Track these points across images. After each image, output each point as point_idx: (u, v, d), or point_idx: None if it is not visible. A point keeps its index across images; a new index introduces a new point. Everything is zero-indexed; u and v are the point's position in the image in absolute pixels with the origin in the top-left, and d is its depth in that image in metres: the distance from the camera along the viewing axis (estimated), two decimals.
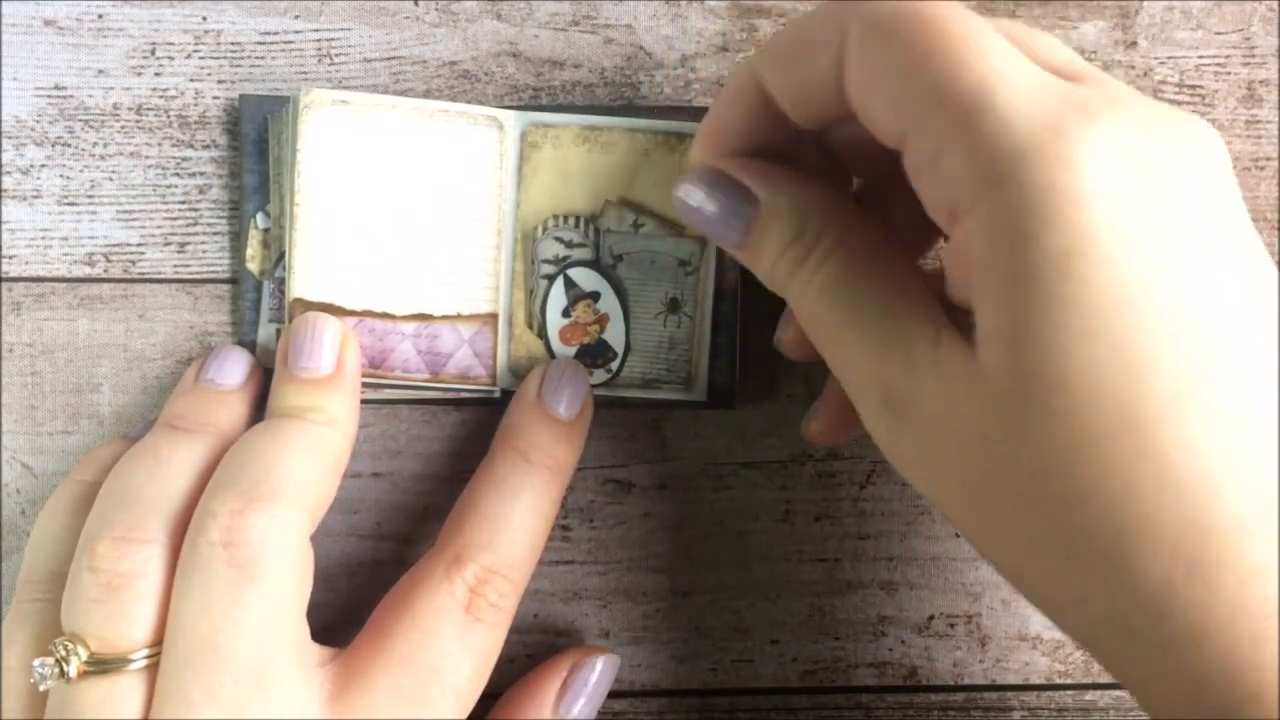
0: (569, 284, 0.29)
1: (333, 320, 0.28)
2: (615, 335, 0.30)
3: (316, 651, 0.25)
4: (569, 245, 0.29)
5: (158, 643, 0.24)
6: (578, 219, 0.29)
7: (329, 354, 0.27)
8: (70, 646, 0.23)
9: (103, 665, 0.23)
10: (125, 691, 0.24)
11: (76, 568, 0.24)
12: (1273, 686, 0.18)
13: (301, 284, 0.28)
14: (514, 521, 0.27)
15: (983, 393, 0.20)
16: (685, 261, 0.29)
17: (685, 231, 0.29)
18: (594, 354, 0.30)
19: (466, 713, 0.26)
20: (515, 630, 0.31)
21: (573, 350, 0.30)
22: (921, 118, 0.21)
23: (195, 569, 0.24)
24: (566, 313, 0.29)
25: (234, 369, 0.28)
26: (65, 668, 0.23)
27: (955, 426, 0.21)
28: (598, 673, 0.29)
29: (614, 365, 0.30)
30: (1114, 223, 0.19)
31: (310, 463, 0.26)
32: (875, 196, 0.27)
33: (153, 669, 0.24)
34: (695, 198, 0.25)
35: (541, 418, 0.28)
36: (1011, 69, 0.20)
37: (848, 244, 0.23)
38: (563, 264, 0.29)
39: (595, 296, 0.29)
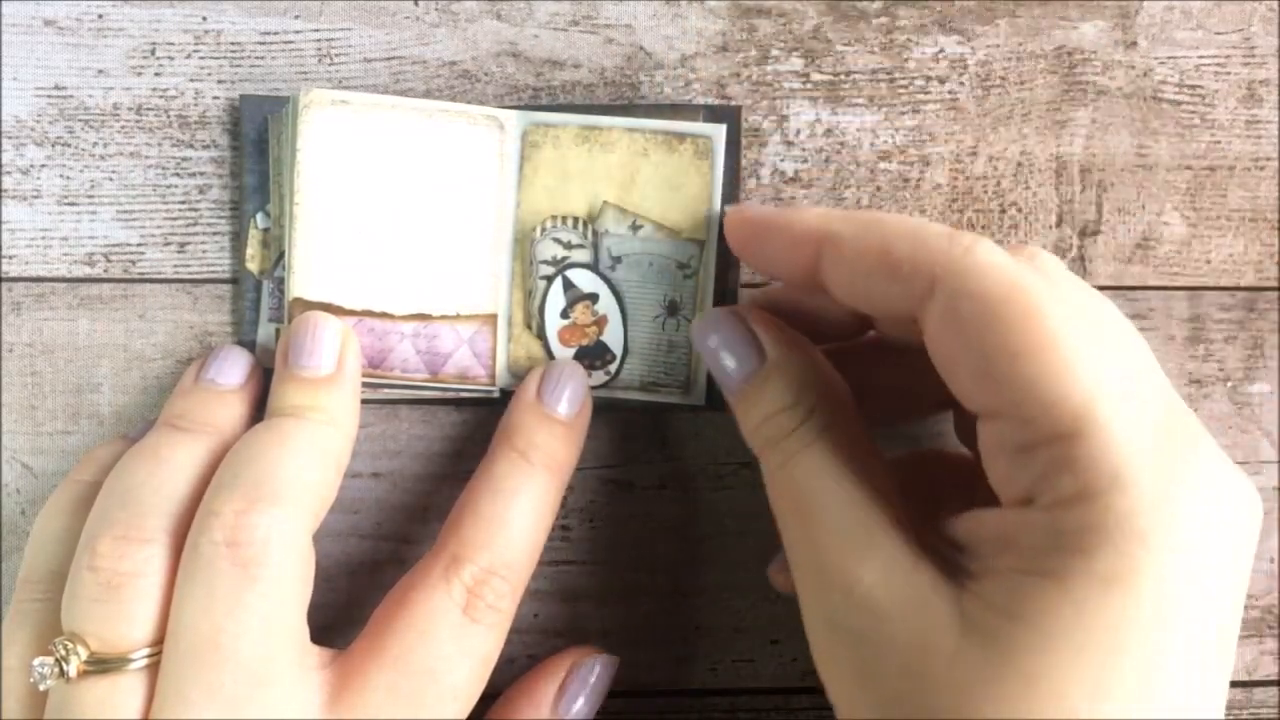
0: (567, 285, 0.29)
1: (333, 320, 0.28)
2: (614, 337, 0.29)
3: (316, 653, 0.25)
4: (567, 246, 0.29)
5: (158, 642, 0.24)
6: (576, 220, 0.29)
7: (329, 353, 0.27)
8: (70, 646, 0.23)
9: (102, 665, 0.23)
10: (125, 691, 0.23)
11: (77, 567, 0.24)
12: None
13: (301, 283, 0.28)
14: (512, 521, 0.27)
15: (950, 642, 0.21)
16: (684, 264, 0.29)
17: (684, 234, 0.29)
18: (593, 356, 0.30)
19: (465, 715, 0.26)
20: (515, 630, 0.31)
21: (571, 351, 0.30)
22: (1012, 411, 0.21)
23: (198, 568, 0.24)
24: (565, 314, 0.29)
25: (234, 369, 0.28)
26: (65, 667, 0.23)
27: (901, 655, 0.22)
28: (596, 673, 0.29)
29: (612, 367, 0.30)
30: (1185, 596, 0.20)
31: (312, 463, 0.26)
32: (891, 355, 0.27)
33: (153, 668, 0.24)
34: (710, 339, 0.26)
35: (540, 417, 0.28)
36: (1109, 386, 0.21)
37: (837, 430, 0.24)
38: (561, 265, 0.29)
39: (594, 298, 0.29)
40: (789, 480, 0.24)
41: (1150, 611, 0.20)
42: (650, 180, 0.29)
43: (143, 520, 0.25)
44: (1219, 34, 0.31)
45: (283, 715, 0.24)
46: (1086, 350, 0.21)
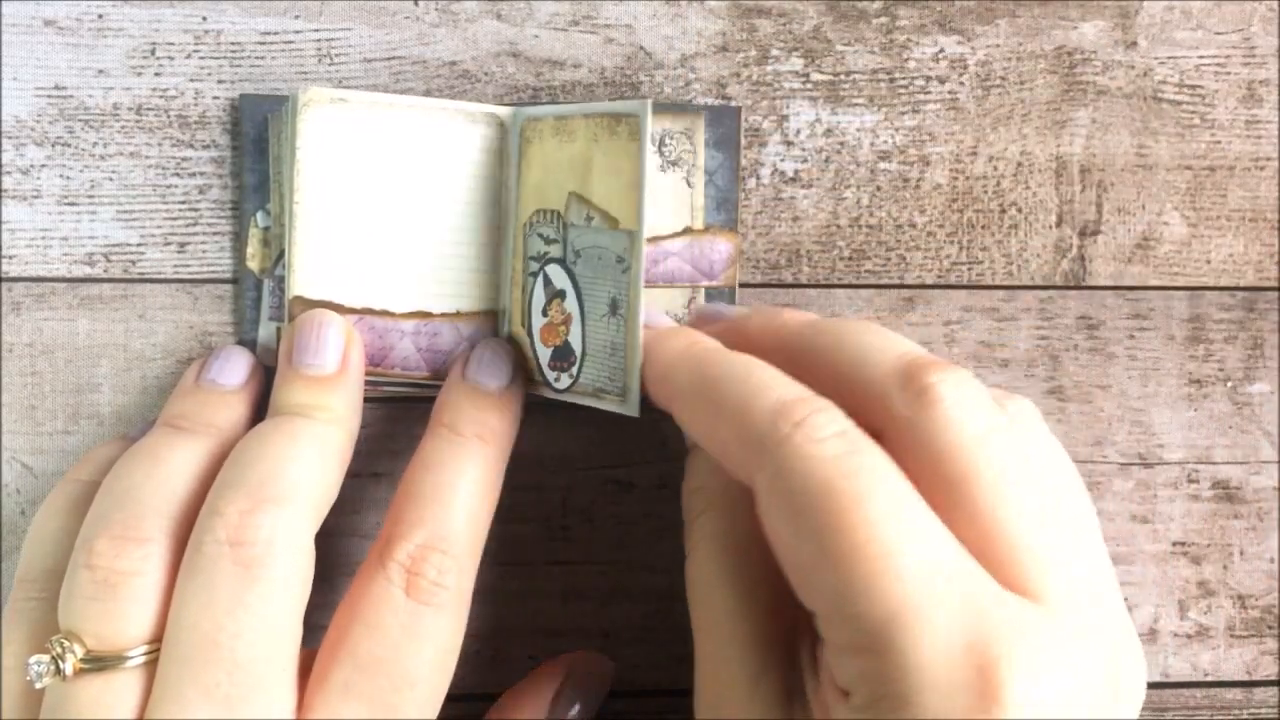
0: (546, 281, 0.29)
1: (337, 317, 0.28)
2: (575, 337, 0.28)
3: (304, 655, 0.25)
4: (547, 241, 0.28)
5: (155, 640, 0.24)
6: (553, 214, 0.28)
7: (334, 351, 0.27)
8: (66, 644, 0.23)
9: (99, 663, 0.23)
10: (121, 689, 0.23)
11: (74, 565, 0.24)
12: None
13: (301, 282, 0.28)
14: (444, 494, 0.26)
15: None
16: (621, 257, 0.27)
17: (620, 224, 0.27)
18: (561, 357, 0.28)
19: (431, 701, 0.25)
20: (516, 630, 0.31)
21: (549, 352, 0.29)
22: (822, 613, 0.21)
23: (200, 567, 0.24)
24: (544, 312, 0.29)
25: (235, 369, 0.28)
26: (61, 665, 0.23)
27: None
28: (594, 677, 0.29)
29: (574, 370, 0.28)
30: None
31: (316, 462, 0.26)
32: None
33: (149, 666, 0.24)
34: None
35: (466, 391, 0.28)
36: (925, 599, 0.20)
37: (723, 536, 0.25)
38: (543, 261, 0.29)
39: (562, 295, 0.28)
40: (690, 566, 0.26)
41: None
42: (600, 168, 0.27)
43: (140, 520, 0.25)
44: (1219, 34, 0.31)
45: (273, 716, 0.23)
46: (899, 559, 0.20)
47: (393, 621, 0.24)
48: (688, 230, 0.29)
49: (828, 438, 0.21)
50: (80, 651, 0.23)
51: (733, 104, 0.30)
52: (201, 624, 0.23)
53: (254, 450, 0.25)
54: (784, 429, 0.21)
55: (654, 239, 0.29)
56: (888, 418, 0.22)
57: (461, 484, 0.26)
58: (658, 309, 0.29)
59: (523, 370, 0.29)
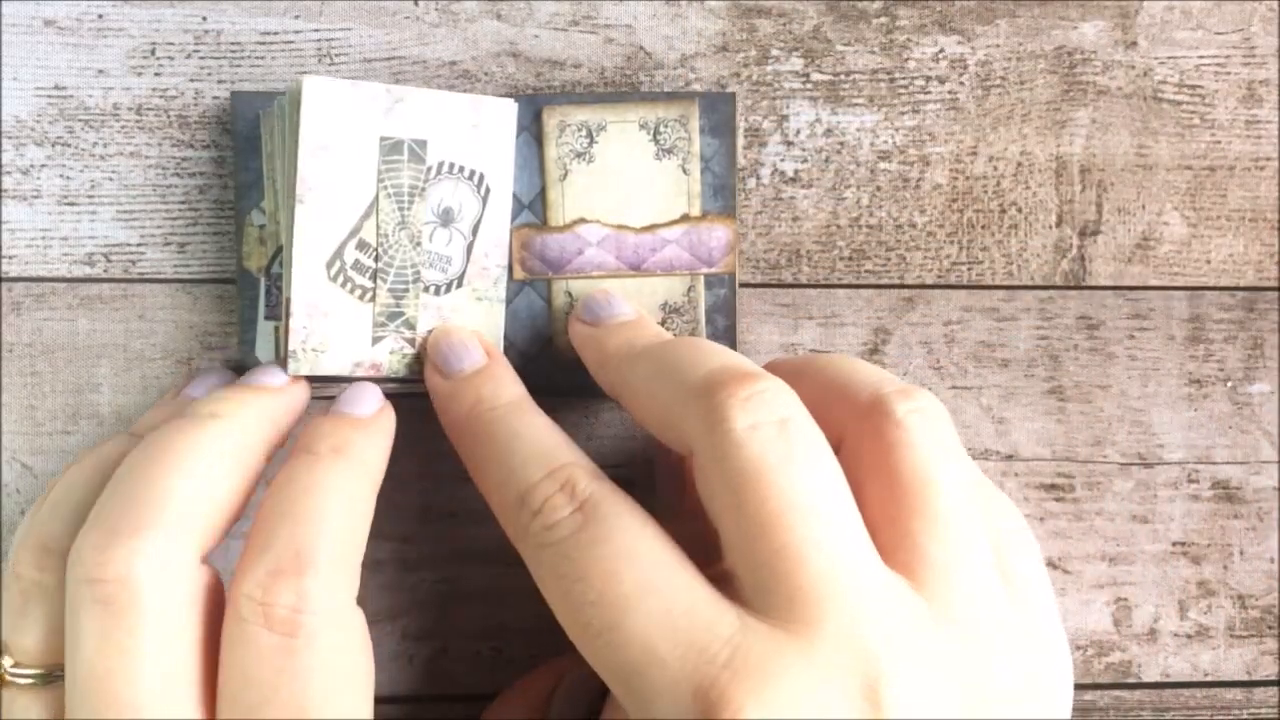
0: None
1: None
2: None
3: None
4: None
5: (55, 663, 0.24)
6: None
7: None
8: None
9: (19, 675, 0.24)
10: (23, 708, 0.24)
11: (7, 574, 0.24)
12: None
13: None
14: (292, 510, 0.23)
15: None
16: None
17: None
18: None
19: None
20: (516, 630, 0.31)
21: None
22: (742, 577, 0.22)
23: (70, 606, 0.22)
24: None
25: (208, 385, 0.28)
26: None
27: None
28: (590, 679, 0.29)
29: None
30: None
31: (201, 470, 0.23)
32: None
33: (59, 688, 0.23)
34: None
35: (329, 417, 0.26)
36: (840, 578, 0.21)
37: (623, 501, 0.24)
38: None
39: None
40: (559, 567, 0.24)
41: None
42: None
43: (64, 529, 0.24)
44: (1219, 34, 0.31)
45: None
46: (815, 549, 0.21)
47: (260, 664, 0.21)
48: (685, 218, 0.29)
49: (751, 435, 0.22)
50: (9, 662, 0.24)
51: (727, 90, 0.30)
52: (78, 663, 0.22)
53: (127, 466, 0.23)
54: (713, 417, 0.22)
55: (651, 227, 0.29)
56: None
57: (310, 496, 0.23)
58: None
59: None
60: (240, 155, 0.29)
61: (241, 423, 0.25)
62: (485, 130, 0.29)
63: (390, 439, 0.26)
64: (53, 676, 0.23)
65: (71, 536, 0.23)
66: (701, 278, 0.29)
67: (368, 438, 0.25)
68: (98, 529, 0.22)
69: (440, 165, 0.28)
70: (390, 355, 0.29)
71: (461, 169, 0.29)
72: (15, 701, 0.24)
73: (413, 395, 0.30)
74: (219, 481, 0.23)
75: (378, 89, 0.28)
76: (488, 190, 0.29)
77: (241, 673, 0.22)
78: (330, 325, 0.27)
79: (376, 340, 0.28)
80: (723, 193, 0.30)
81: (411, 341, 0.29)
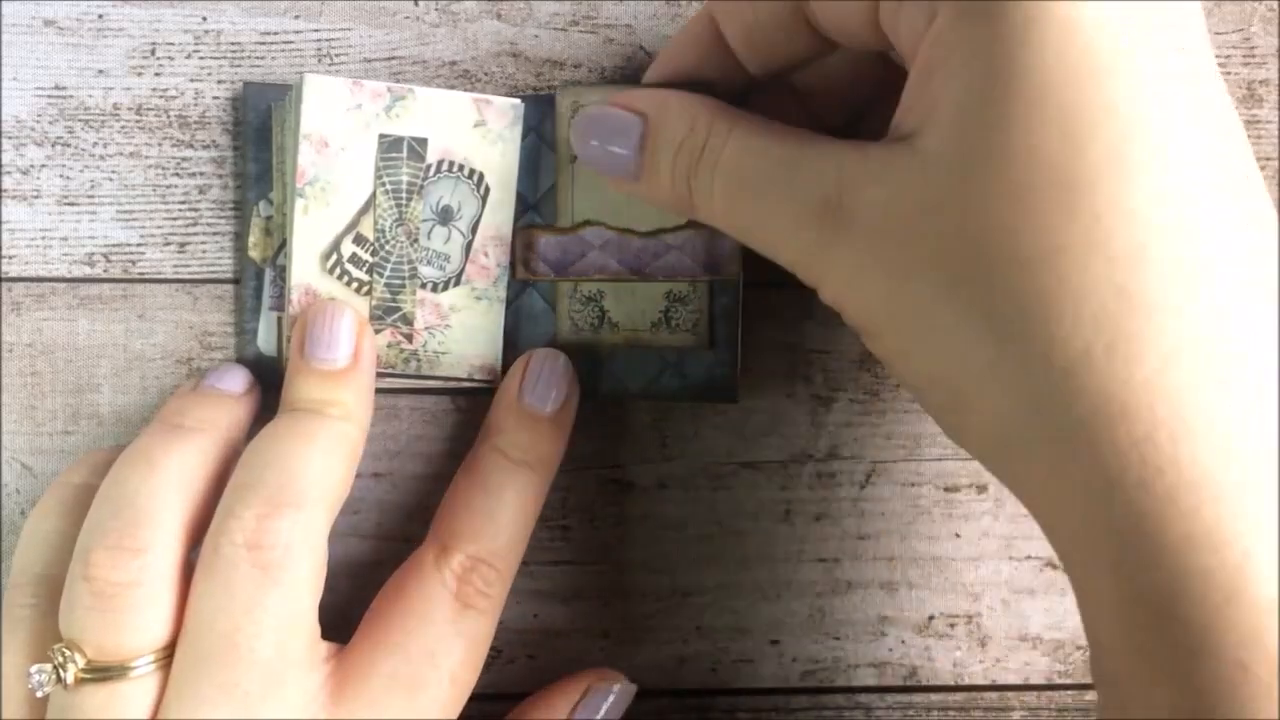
0: None
1: (349, 309, 0.28)
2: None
3: (324, 647, 0.26)
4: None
5: (165, 647, 0.24)
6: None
7: (346, 344, 0.27)
8: (68, 654, 0.24)
9: (101, 673, 0.24)
10: (128, 697, 0.24)
11: (72, 576, 0.24)
12: (1195, 490, 0.17)
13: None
14: (497, 515, 0.27)
15: (926, 176, 0.20)
16: None
17: None
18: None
19: (461, 700, 0.27)
20: (516, 630, 0.31)
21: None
22: None
23: (217, 569, 0.24)
24: None
25: (235, 378, 0.28)
26: (63, 674, 0.23)
27: (896, 221, 0.21)
28: (611, 701, 0.29)
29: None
30: (1082, 11, 0.19)
31: (330, 462, 0.26)
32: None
33: (159, 673, 0.24)
34: (588, 143, 0.26)
35: (521, 416, 0.28)
36: None
37: (743, 127, 0.23)
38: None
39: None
40: (724, 188, 0.24)
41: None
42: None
43: (136, 529, 0.24)
44: (1219, 34, 0.31)
45: (294, 713, 0.24)
46: None
47: (442, 618, 0.26)
48: (691, 224, 0.29)
49: None
50: (81, 661, 0.24)
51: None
52: (219, 624, 0.24)
53: (269, 451, 0.26)
54: None
55: (656, 232, 0.29)
56: None
57: (512, 507, 0.27)
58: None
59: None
60: (250, 146, 0.29)
61: (363, 424, 0.27)
62: (489, 129, 0.29)
63: (570, 429, 0.29)
64: (117, 673, 0.24)
65: (154, 535, 0.24)
66: (705, 284, 0.29)
67: (555, 448, 0.28)
68: (258, 497, 0.24)
69: (440, 164, 0.28)
70: (388, 349, 0.29)
71: (461, 168, 0.29)
72: (86, 700, 0.24)
73: (414, 394, 0.30)
74: (343, 471, 0.26)
75: (380, 87, 0.28)
76: (487, 189, 0.29)
77: (427, 622, 0.26)
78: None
79: (376, 331, 0.29)
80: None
81: (409, 337, 0.29)
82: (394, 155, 0.28)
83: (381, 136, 0.28)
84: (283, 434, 0.26)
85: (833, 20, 0.23)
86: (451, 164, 0.29)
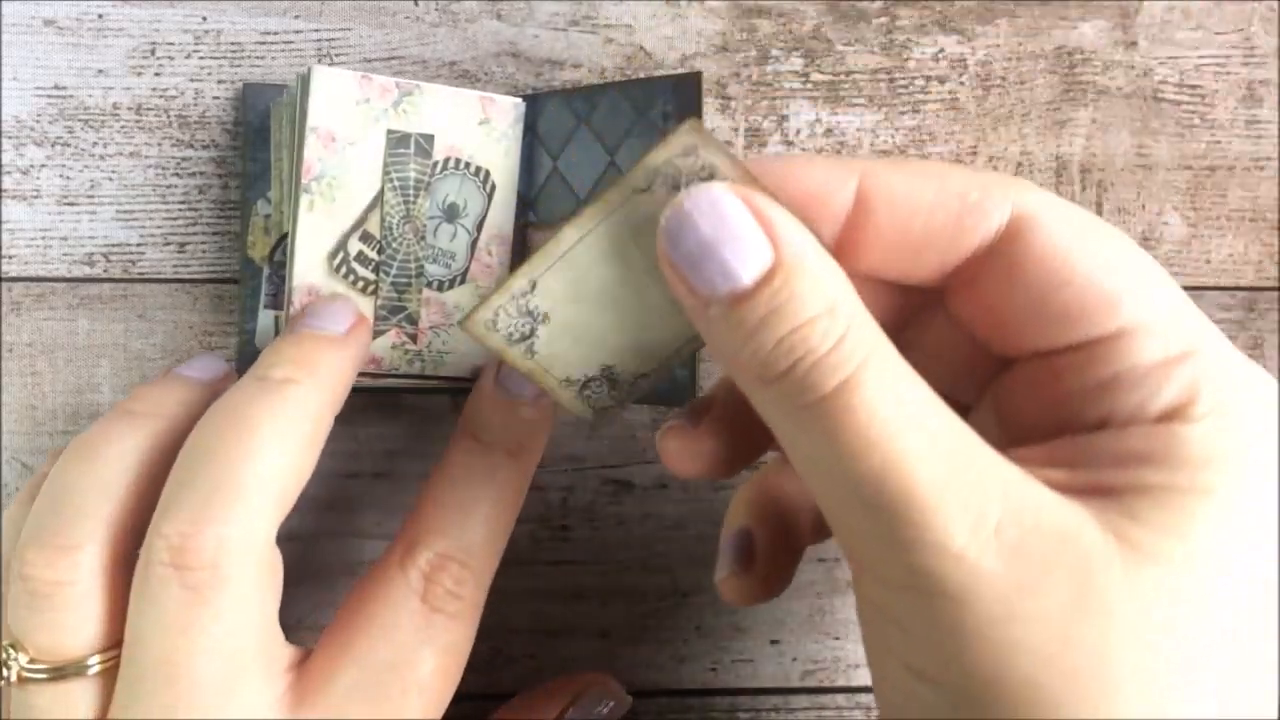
0: None
1: (353, 302, 0.27)
2: None
3: (287, 654, 0.24)
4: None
5: (110, 646, 0.23)
6: None
7: (344, 320, 0.26)
8: (11, 653, 0.23)
9: (45, 672, 0.23)
10: (74, 697, 0.23)
11: (10, 574, 0.24)
12: None
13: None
14: (468, 506, 0.25)
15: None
16: None
17: None
18: None
19: (437, 706, 0.25)
20: (516, 630, 0.31)
21: None
22: (1131, 333, 0.20)
23: (148, 588, 0.22)
24: None
25: (204, 366, 0.27)
26: (6, 673, 0.23)
27: (1058, 592, 0.18)
28: (606, 707, 0.29)
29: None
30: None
31: (284, 448, 0.23)
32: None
33: (103, 675, 0.23)
34: (686, 238, 0.19)
35: (496, 404, 0.26)
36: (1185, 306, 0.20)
37: (886, 350, 0.19)
38: None
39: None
40: (845, 409, 0.18)
41: None
42: None
43: (71, 526, 0.23)
44: (1219, 34, 0.31)
45: None
46: (1166, 275, 0.20)
47: (407, 625, 0.24)
48: None
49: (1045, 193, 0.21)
50: (24, 660, 0.23)
51: (693, 70, 0.29)
52: (154, 646, 0.22)
53: (212, 439, 0.23)
54: (1018, 181, 0.21)
55: None
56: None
57: (486, 498, 0.25)
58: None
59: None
60: (249, 146, 0.29)
61: (335, 395, 0.25)
62: (493, 127, 0.29)
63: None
64: (65, 673, 0.23)
65: (90, 531, 0.23)
66: None
67: (535, 436, 0.26)
68: (182, 511, 0.22)
69: (447, 160, 0.28)
70: (391, 350, 0.28)
71: (467, 165, 0.29)
72: (34, 699, 0.23)
73: (414, 394, 0.30)
74: (299, 451, 0.23)
75: (388, 82, 0.27)
76: (493, 187, 0.29)
77: (388, 628, 0.24)
78: None
79: (377, 333, 0.28)
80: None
81: (413, 337, 0.28)
82: (402, 151, 0.28)
83: (389, 132, 0.28)
84: (231, 416, 0.23)
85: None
86: (458, 161, 0.28)
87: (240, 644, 0.23)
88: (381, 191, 0.28)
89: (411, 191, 0.28)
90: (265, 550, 0.23)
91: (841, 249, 0.21)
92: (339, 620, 0.25)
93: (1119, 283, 0.20)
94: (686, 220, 0.19)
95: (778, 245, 0.19)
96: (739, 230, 0.19)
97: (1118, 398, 0.20)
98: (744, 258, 0.19)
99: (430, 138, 0.28)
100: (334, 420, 0.25)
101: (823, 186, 0.20)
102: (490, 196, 0.29)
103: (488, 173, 0.29)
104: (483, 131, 0.29)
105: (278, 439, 0.23)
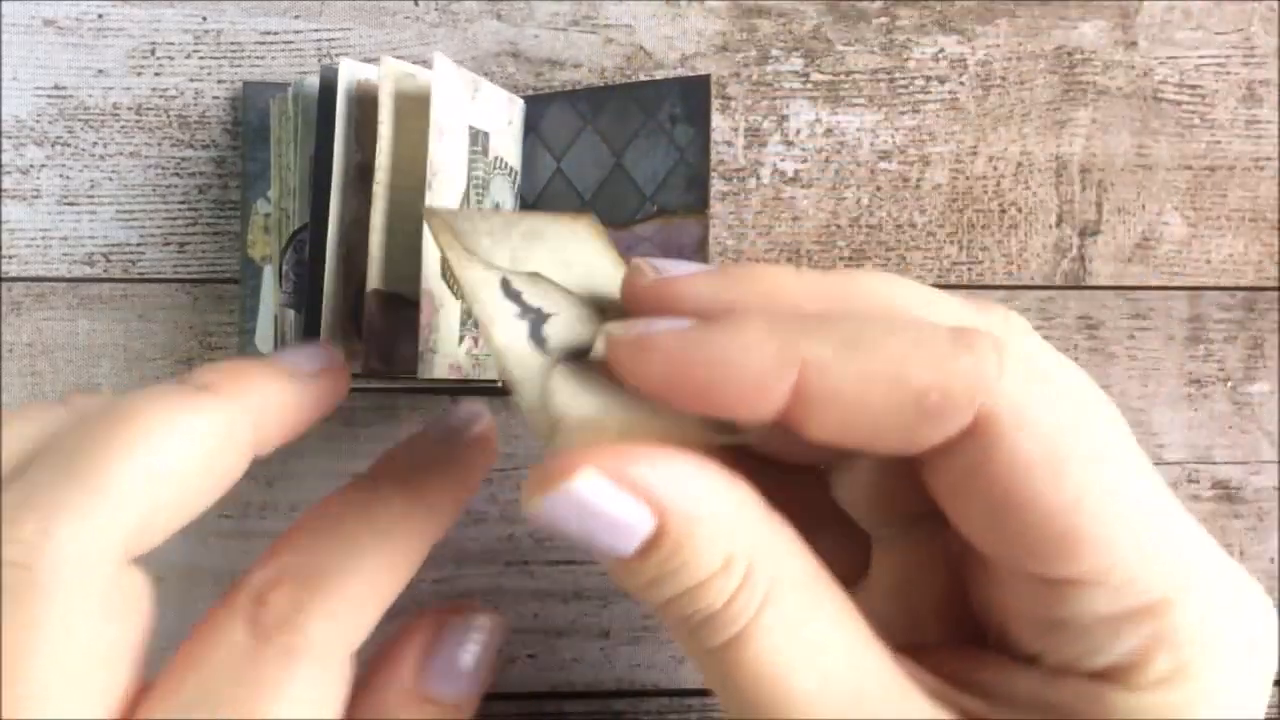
0: None
1: (337, 353, 0.22)
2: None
3: (120, 690, 0.18)
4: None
5: None
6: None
7: (315, 362, 0.21)
8: None
9: None
10: None
11: None
12: None
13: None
14: (335, 526, 0.20)
15: None
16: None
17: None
18: None
19: None
20: (515, 630, 0.31)
21: None
22: (1093, 578, 0.18)
23: None
24: None
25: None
26: None
27: None
28: (474, 637, 0.23)
29: None
30: None
31: (166, 448, 0.18)
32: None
33: None
34: (568, 519, 0.17)
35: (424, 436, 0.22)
36: (1191, 546, 0.19)
37: (791, 584, 0.18)
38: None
39: None
40: (735, 663, 0.17)
41: None
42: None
43: None
44: (1219, 34, 0.31)
45: None
46: (1159, 503, 0.18)
47: (223, 661, 0.18)
48: (660, 214, 0.29)
49: (1031, 366, 0.17)
50: None
51: (701, 73, 0.29)
52: None
53: (83, 428, 0.18)
54: (992, 364, 0.17)
55: (627, 224, 0.29)
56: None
57: (365, 526, 0.20)
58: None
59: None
60: (249, 145, 0.29)
61: (243, 405, 0.19)
62: (514, 127, 0.29)
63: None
64: None
65: None
66: None
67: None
68: (19, 494, 0.18)
69: (495, 160, 0.28)
70: (466, 356, 0.26)
71: (505, 165, 0.28)
72: None
73: (414, 394, 0.30)
74: (182, 467, 0.18)
75: (466, 75, 0.26)
76: (520, 189, 0.29)
77: (200, 661, 0.18)
78: (442, 322, 0.25)
79: (461, 339, 0.26)
80: (696, 184, 0.29)
81: (476, 340, 0.26)
82: (476, 148, 0.26)
83: (469, 128, 0.26)
84: (122, 405, 0.18)
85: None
86: (500, 160, 0.28)
87: (65, 677, 0.17)
88: (467, 189, 0.26)
89: (481, 190, 0.26)
90: (108, 565, 0.18)
91: (781, 422, 0.18)
92: (174, 652, 0.19)
93: (1082, 524, 0.17)
94: (554, 525, 0.17)
95: (663, 512, 0.17)
96: (611, 515, 0.17)
97: (1057, 642, 0.18)
98: (621, 537, 0.17)
99: (488, 135, 0.27)
100: (267, 457, 0.20)
101: (753, 388, 0.17)
102: (517, 199, 0.29)
103: (517, 174, 0.29)
104: (510, 132, 0.28)
105: (164, 440, 0.18)
